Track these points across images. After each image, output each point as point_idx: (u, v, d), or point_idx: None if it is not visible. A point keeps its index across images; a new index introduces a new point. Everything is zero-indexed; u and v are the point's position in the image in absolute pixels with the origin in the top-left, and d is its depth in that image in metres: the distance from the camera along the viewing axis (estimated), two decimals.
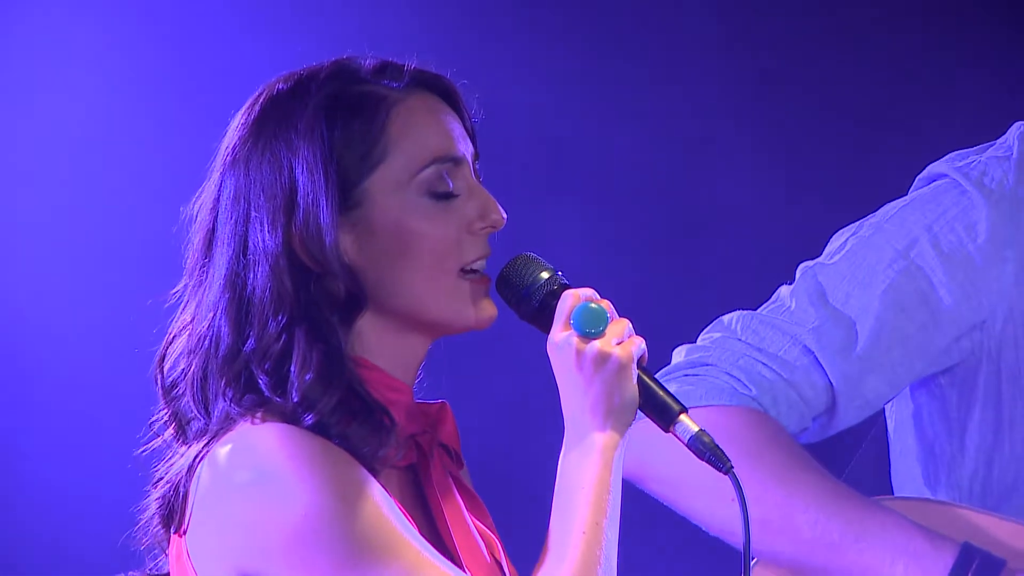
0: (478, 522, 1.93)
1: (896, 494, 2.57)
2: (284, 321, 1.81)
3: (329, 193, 1.81)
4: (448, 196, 1.86)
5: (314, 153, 1.81)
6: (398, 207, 1.84)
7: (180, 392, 1.85)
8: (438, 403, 1.93)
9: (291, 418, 1.78)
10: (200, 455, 1.80)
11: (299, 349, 1.80)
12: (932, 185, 2.52)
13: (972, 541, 2.35)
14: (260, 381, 1.80)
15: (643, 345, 1.85)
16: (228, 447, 1.78)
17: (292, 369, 1.79)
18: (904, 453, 2.57)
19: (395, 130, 1.84)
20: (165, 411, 1.87)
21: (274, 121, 1.84)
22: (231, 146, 1.86)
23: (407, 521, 1.79)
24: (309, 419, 1.78)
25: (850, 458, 2.70)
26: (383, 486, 1.80)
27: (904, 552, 2.35)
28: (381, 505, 1.76)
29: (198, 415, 1.83)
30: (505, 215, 1.89)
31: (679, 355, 2.48)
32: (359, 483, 1.77)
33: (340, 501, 1.74)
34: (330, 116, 1.83)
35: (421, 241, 1.84)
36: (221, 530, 1.77)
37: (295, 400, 1.78)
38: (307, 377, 1.79)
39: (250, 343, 1.81)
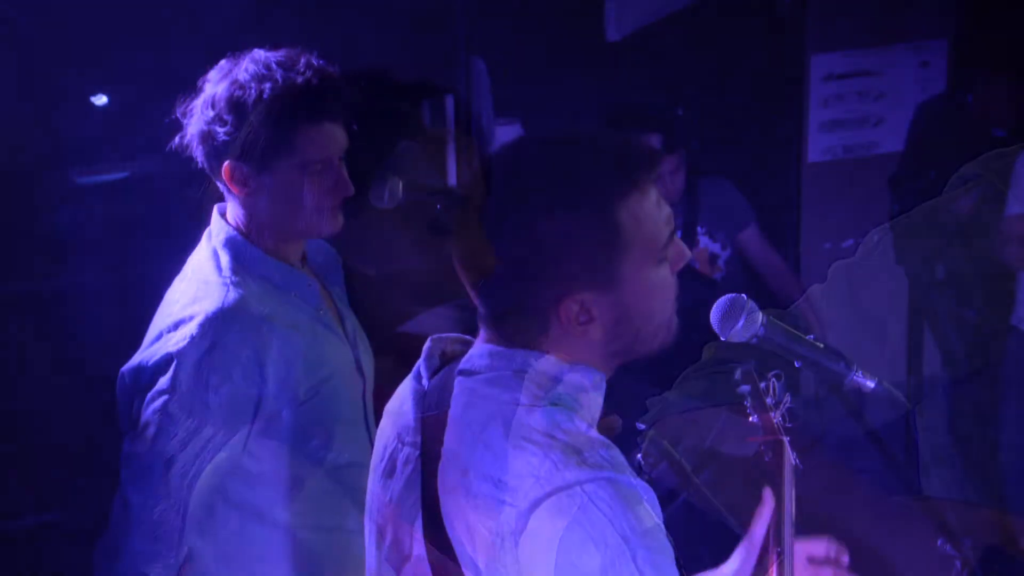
0: None
1: (926, 494, 2.57)
2: None
3: None
4: None
5: None
6: None
7: None
8: None
9: None
10: None
11: None
12: (966, 186, 2.51)
13: (997, 541, 2.36)
14: None
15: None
16: None
17: None
18: (935, 452, 2.56)
19: None
20: None
21: None
22: None
23: None
24: None
25: (881, 457, 2.70)
26: None
27: (924, 554, 2.35)
28: None
29: None
30: None
31: (708, 352, 2.49)
32: None
33: None
34: None
35: None
36: None
37: None
38: None
39: None
